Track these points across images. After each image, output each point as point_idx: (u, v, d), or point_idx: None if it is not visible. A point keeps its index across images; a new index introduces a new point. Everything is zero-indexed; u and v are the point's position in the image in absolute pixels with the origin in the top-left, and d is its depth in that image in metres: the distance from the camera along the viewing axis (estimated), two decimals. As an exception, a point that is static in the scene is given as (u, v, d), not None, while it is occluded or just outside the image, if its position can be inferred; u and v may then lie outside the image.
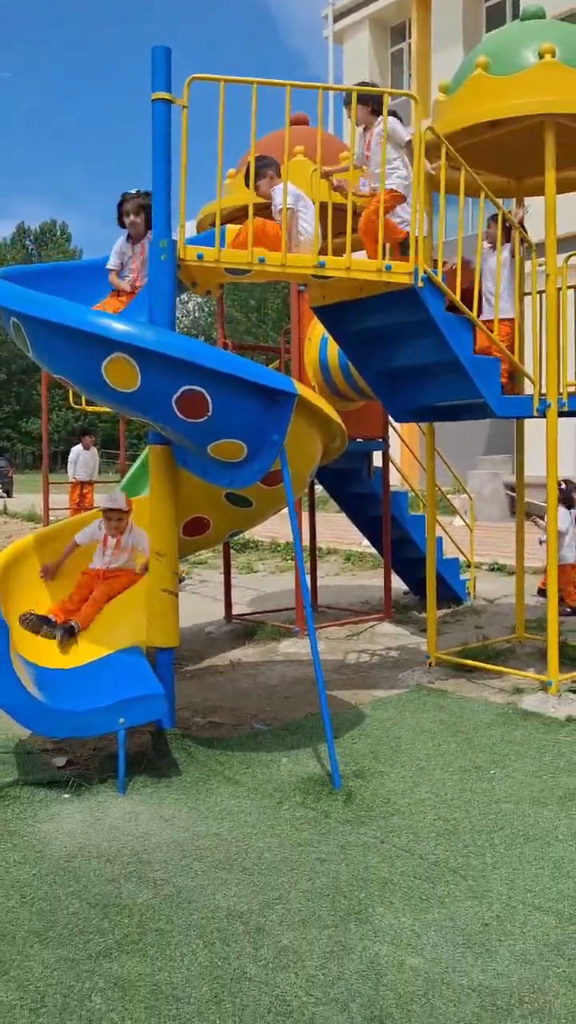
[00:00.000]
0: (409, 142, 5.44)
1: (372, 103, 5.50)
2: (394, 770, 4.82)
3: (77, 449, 14.31)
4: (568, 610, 8.46)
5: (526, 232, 6.32)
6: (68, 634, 5.26)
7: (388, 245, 5.48)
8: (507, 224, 6.15)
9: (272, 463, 4.68)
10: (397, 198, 5.45)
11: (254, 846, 3.91)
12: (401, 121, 5.54)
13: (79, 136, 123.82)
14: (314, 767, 4.86)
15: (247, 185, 5.33)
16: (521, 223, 6.29)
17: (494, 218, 6.29)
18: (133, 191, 5.73)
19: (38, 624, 5.24)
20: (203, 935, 3.20)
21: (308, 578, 9.82)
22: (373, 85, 5.57)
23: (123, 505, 5.65)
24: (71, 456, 14.40)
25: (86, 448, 14.30)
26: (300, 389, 4.64)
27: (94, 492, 14.49)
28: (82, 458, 14.24)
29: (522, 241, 6.28)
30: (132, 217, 5.68)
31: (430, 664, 6.92)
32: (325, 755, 4.82)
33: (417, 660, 7.23)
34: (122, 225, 5.77)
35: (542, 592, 8.74)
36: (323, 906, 3.40)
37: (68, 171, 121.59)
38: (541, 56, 5.81)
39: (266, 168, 5.48)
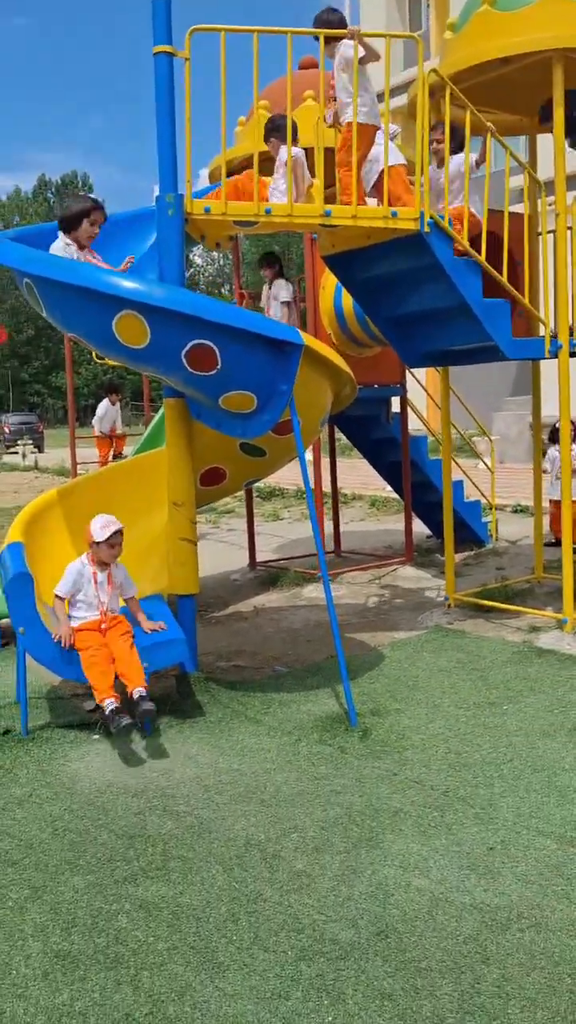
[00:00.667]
0: (362, 58, 5.21)
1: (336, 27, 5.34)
2: (409, 707, 4.98)
3: (104, 404, 14.47)
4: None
5: None
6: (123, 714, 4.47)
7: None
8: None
9: (282, 413, 4.78)
10: (367, 131, 5.36)
11: (272, 780, 4.11)
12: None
13: (99, 85, 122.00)
14: (332, 706, 5.04)
15: (266, 142, 5.34)
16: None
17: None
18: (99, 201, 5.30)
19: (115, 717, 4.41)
20: (222, 862, 3.41)
21: (331, 524, 9.96)
22: (335, 11, 5.38)
23: (120, 524, 4.83)
24: (98, 412, 14.57)
25: (112, 404, 14.47)
26: (306, 339, 4.71)
27: (125, 442, 14.69)
28: (109, 414, 14.42)
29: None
30: (93, 228, 5.18)
31: (449, 605, 7.06)
32: (343, 695, 4.99)
33: (436, 602, 7.36)
34: (67, 231, 5.18)
35: (557, 543, 8.80)
36: (336, 834, 3.59)
37: (89, 121, 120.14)
38: (548, -12, 5.71)
39: (275, 132, 5.45)
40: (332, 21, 5.31)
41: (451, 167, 5.81)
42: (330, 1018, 2.54)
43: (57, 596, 4.76)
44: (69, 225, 5.15)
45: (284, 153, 5.33)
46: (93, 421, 15.07)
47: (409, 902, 3.10)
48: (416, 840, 3.53)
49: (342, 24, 5.32)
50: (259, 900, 3.14)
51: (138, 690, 4.48)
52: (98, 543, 4.76)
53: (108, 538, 4.75)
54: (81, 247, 5.15)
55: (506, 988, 2.63)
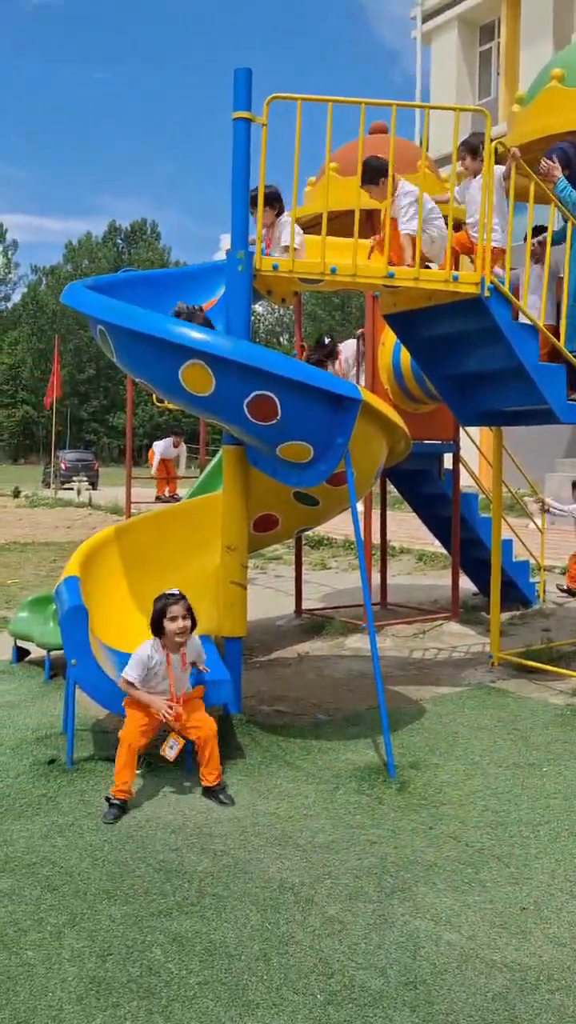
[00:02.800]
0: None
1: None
2: (449, 763, 5.00)
3: (166, 444, 14.73)
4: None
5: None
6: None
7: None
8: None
9: (337, 464, 4.91)
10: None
11: (309, 826, 4.16)
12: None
13: (171, 135, 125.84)
14: (371, 757, 5.08)
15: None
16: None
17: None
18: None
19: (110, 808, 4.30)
20: (256, 902, 3.46)
21: (378, 576, 10.01)
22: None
23: (180, 596, 4.61)
24: (158, 449, 14.83)
25: (175, 447, 14.75)
26: (365, 395, 4.86)
27: (177, 485, 14.95)
28: (169, 453, 14.71)
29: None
30: None
31: (492, 664, 7.06)
32: (383, 746, 5.03)
33: (481, 660, 7.36)
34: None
35: (570, 591, 8.79)
36: (370, 883, 3.63)
37: (160, 169, 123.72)
38: (616, 68, 5.89)
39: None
40: (375, 166, 5.59)
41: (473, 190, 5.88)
42: (356, 1063, 2.58)
43: (129, 683, 4.50)
44: None
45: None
46: (154, 458, 15.25)
47: (439, 955, 3.12)
48: (449, 895, 3.55)
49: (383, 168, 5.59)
50: (291, 942, 3.19)
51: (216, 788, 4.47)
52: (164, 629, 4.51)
53: (176, 617, 4.49)
54: None
55: (533, 1047, 2.64)
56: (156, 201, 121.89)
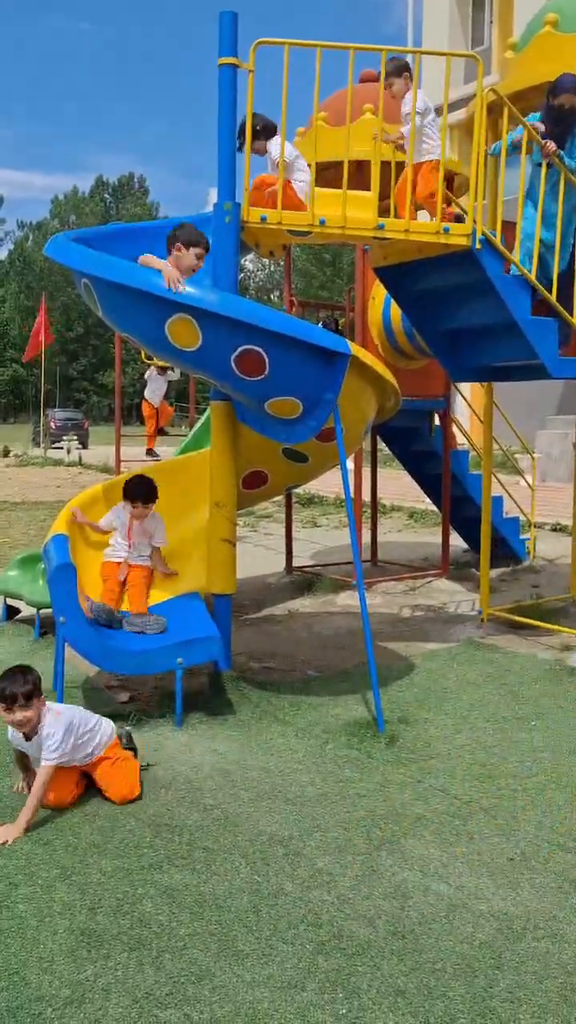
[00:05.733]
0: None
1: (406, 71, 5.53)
2: (438, 717, 5.03)
3: (151, 373, 14.41)
4: None
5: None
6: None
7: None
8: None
9: (326, 420, 4.86)
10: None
11: (298, 780, 4.18)
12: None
13: (160, 89, 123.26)
14: (361, 712, 5.10)
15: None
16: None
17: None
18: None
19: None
20: (246, 855, 3.49)
21: (369, 533, 10.01)
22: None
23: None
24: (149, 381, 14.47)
25: (160, 374, 14.36)
26: (354, 349, 4.80)
27: (169, 418, 14.59)
28: (158, 383, 14.32)
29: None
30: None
31: (482, 620, 7.08)
32: (372, 701, 5.05)
33: (470, 616, 7.39)
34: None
35: None
36: (358, 835, 3.66)
37: (149, 125, 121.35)
38: (611, 12, 5.75)
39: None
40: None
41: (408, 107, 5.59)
42: (344, 1011, 2.61)
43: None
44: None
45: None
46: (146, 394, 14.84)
47: (427, 905, 3.16)
48: (437, 846, 3.58)
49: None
50: (280, 894, 3.22)
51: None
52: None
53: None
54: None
55: (518, 994, 2.68)
56: (144, 156, 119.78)
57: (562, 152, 5.73)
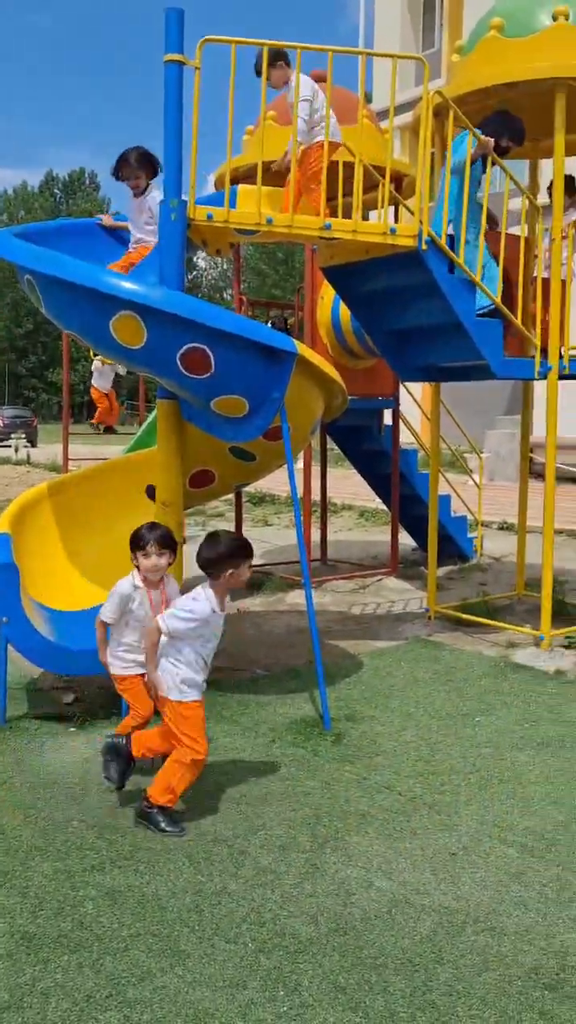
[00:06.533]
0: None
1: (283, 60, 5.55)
2: (384, 715, 5.06)
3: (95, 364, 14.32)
4: None
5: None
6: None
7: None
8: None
9: (273, 419, 4.86)
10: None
11: (244, 779, 4.18)
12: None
13: (114, 86, 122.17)
14: (308, 710, 5.12)
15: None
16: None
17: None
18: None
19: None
20: (190, 855, 3.47)
21: (319, 532, 10.04)
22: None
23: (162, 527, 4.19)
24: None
25: (104, 364, 14.29)
26: (300, 348, 4.80)
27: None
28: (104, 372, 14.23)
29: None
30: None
31: (429, 618, 7.15)
32: (319, 699, 5.07)
33: (418, 614, 7.45)
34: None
35: None
36: (303, 834, 3.66)
37: (104, 119, 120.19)
38: (555, 18, 5.83)
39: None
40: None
41: None
42: (285, 1008, 2.61)
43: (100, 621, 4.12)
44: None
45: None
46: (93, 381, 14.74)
47: (370, 901, 3.18)
48: (381, 843, 3.60)
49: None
50: (223, 893, 3.21)
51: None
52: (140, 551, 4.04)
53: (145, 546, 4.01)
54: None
55: (457, 987, 2.71)
56: (96, 151, 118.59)
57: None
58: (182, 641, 3.75)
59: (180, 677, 3.74)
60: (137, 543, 4.08)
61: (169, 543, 4.10)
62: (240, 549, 3.88)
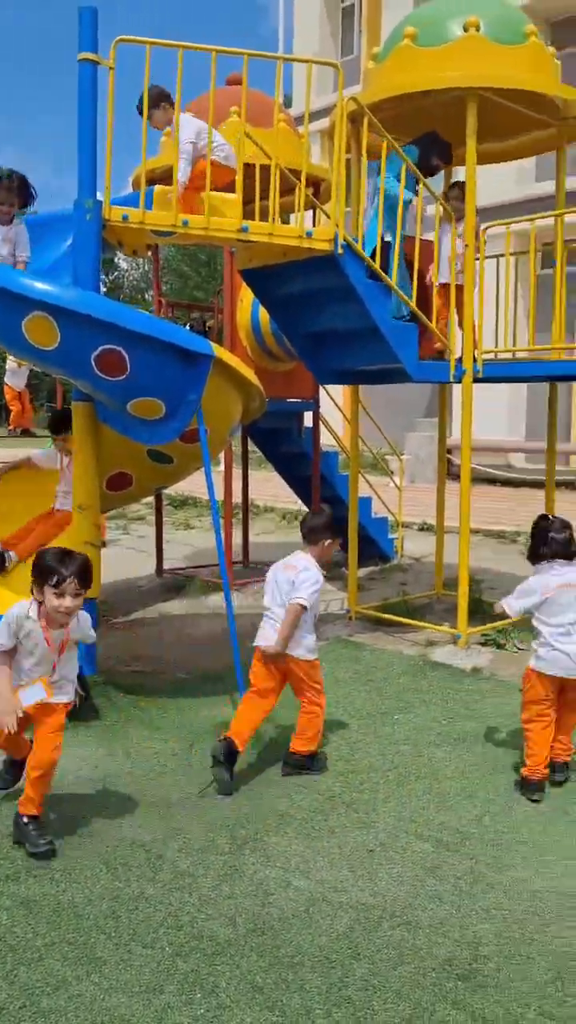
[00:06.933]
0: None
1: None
2: (304, 715, 5.08)
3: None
4: None
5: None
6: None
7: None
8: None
9: (190, 421, 4.85)
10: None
11: (163, 783, 4.16)
12: None
13: (33, 82, 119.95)
14: (228, 713, 5.08)
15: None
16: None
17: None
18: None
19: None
20: (107, 861, 3.44)
21: (240, 535, 10.04)
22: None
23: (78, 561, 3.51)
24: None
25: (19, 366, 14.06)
26: (217, 351, 4.80)
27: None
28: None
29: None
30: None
31: (350, 618, 7.21)
32: (240, 702, 5.06)
33: (339, 615, 7.51)
34: None
35: None
36: (222, 836, 3.66)
37: (32, 118, 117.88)
38: (466, 29, 5.95)
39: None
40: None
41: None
42: (202, 1010, 2.61)
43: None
44: None
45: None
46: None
47: (288, 901, 3.19)
48: (300, 842, 3.62)
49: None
50: (140, 899, 3.19)
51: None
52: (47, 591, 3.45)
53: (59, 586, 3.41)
54: None
55: (372, 982, 2.74)
56: (17, 151, 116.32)
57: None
58: (309, 611, 4.17)
59: (311, 640, 4.25)
60: (47, 576, 3.42)
61: (89, 580, 3.49)
62: (338, 525, 4.39)
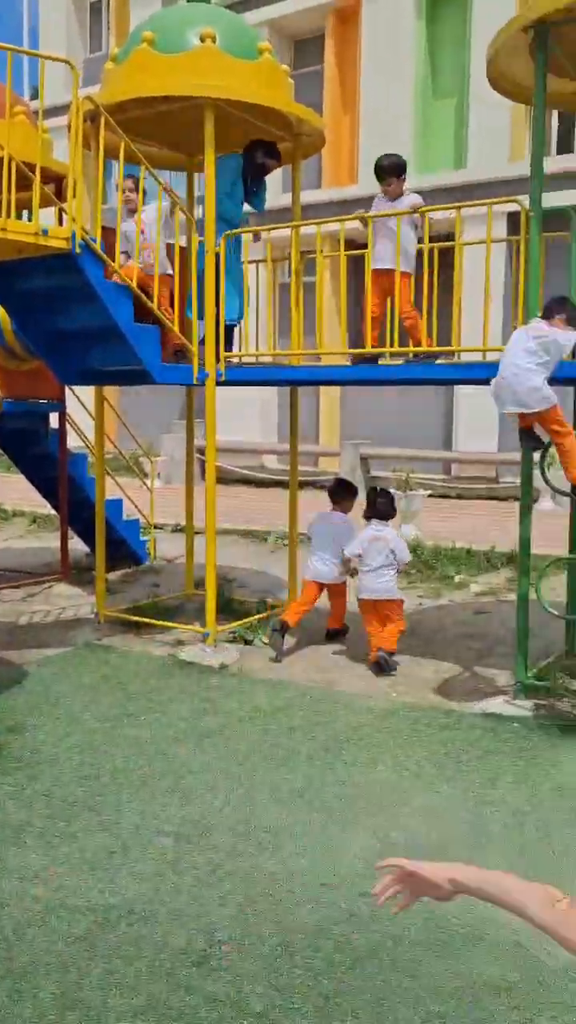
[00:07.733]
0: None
1: None
2: (48, 723, 4.99)
3: None
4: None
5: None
6: None
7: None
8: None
9: None
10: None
11: None
12: None
13: None
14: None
15: None
16: None
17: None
18: None
19: None
20: None
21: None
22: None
23: None
24: None
25: None
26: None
27: None
28: None
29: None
30: None
31: (99, 621, 7.14)
32: (-21, 713, 4.88)
33: (89, 619, 7.41)
34: None
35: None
36: (-45, 853, 3.52)
37: None
38: (203, 40, 6.07)
39: None
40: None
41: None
42: None
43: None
44: None
45: None
46: None
47: (24, 911, 3.13)
48: (39, 851, 3.56)
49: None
50: None
51: None
52: None
53: None
54: None
55: (108, 980, 2.76)
56: None
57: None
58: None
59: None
60: None
61: None
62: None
